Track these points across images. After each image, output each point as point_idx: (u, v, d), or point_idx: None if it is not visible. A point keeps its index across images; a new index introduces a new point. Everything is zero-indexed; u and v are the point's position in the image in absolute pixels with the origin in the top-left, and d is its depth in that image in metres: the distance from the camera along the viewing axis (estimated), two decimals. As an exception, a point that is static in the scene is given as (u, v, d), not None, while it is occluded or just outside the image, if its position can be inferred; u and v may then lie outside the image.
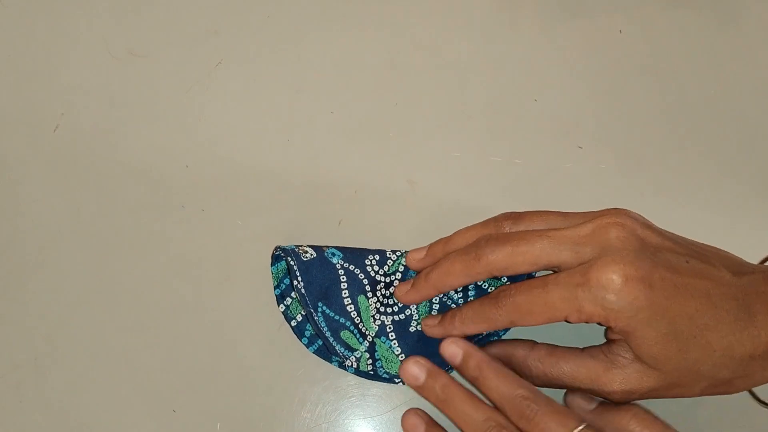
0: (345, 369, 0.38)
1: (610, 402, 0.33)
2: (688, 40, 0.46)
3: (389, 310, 0.38)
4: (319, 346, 0.38)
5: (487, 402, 0.34)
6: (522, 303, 0.32)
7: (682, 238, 0.34)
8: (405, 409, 0.38)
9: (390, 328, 0.38)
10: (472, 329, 0.35)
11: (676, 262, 0.31)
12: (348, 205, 0.42)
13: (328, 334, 0.37)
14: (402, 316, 0.38)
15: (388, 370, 0.38)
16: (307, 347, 0.38)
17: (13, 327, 0.40)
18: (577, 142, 0.43)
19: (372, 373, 0.38)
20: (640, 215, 0.34)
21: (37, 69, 0.44)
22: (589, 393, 0.34)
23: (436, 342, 0.37)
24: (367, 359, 0.38)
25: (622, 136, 0.44)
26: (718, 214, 0.43)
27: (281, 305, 0.39)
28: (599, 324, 0.32)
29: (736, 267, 0.33)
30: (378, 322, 0.38)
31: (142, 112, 0.43)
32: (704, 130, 0.44)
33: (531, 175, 0.43)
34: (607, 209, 0.34)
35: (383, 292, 0.38)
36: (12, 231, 0.41)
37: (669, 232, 0.34)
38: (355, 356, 0.38)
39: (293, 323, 0.38)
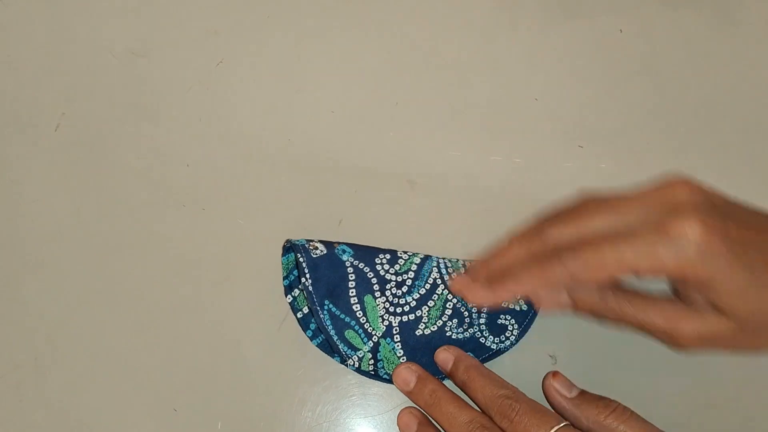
0: (346, 366, 0.38)
1: (678, 347, 0.33)
2: (688, 40, 0.46)
3: (399, 310, 0.38)
4: (323, 340, 0.38)
5: (476, 408, 0.34)
6: (590, 259, 0.30)
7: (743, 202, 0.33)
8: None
9: (396, 329, 0.38)
10: (527, 288, 0.33)
11: (747, 217, 0.31)
12: (348, 205, 0.42)
13: (332, 332, 0.37)
14: (412, 317, 0.38)
15: (389, 371, 0.38)
16: (311, 340, 0.38)
17: (13, 327, 0.40)
18: (577, 142, 0.43)
19: (373, 373, 0.38)
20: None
21: (37, 69, 0.44)
22: (662, 338, 0.33)
23: (438, 344, 0.38)
24: (369, 359, 0.38)
25: (622, 136, 0.44)
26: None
27: (288, 296, 0.39)
28: (671, 278, 0.31)
29: None
30: (386, 323, 0.38)
31: (142, 112, 0.43)
32: (704, 129, 0.44)
33: (531, 174, 0.43)
34: (667, 177, 0.32)
35: (394, 292, 0.38)
36: (12, 231, 0.41)
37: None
38: (357, 355, 0.38)
39: (299, 315, 0.38)
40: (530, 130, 0.44)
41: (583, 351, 0.40)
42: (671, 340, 0.33)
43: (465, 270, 0.39)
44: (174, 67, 0.44)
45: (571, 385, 0.36)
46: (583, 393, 0.35)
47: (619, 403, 0.34)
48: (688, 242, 0.29)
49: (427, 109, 0.44)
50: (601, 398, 0.34)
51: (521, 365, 0.39)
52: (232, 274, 0.40)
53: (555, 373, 0.36)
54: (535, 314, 0.39)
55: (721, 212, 0.30)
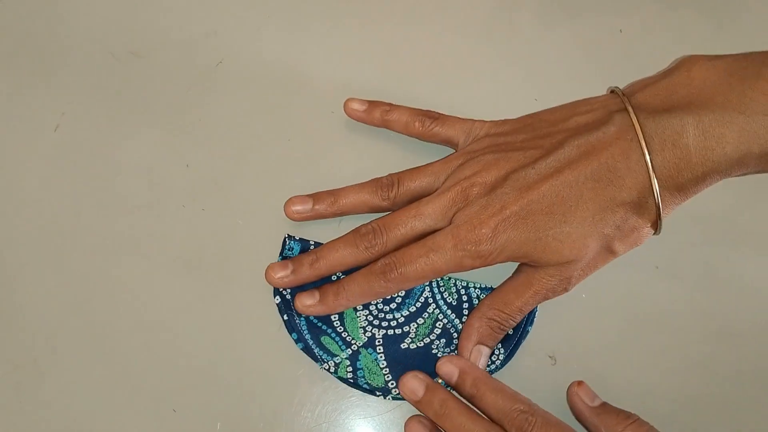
0: (328, 372, 0.38)
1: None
2: (688, 40, 0.46)
3: (384, 324, 0.38)
4: (304, 346, 0.39)
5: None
6: (410, 274, 0.35)
7: (527, 128, 0.38)
8: (404, 409, 0.38)
9: (379, 341, 0.38)
10: (360, 303, 0.38)
11: (526, 179, 0.35)
12: (348, 205, 0.42)
13: (308, 337, 0.38)
14: (398, 331, 0.38)
15: (369, 381, 0.38)
16: (296, 342, 0.38)
17: (13, 327, 0.40)
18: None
19: (352, 381, 0.38)
20: (484, 140, 0.38)
21: (37, 69, 0.44)
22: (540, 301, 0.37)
23: (423, 361, 0.38)
24: (347, 366, 0.38)
25: (622, 136, 0.44)
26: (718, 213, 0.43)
27: (277, 297, 0.39)
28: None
29: (583, 127, 0.36)
30: (368, 334, 0.38)
31: (142, 112, 0.43)
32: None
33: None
34: (458, 156, 0.38)
35: (380, 307, 0.39)
36: (12, 231, 0.41)
37: (516, 138, 0.38)
38: (334, 361, 0.38)
39: (285, 317, 0.38)
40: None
41: (583, 351, 0.40)
42: (561, 292, 0.37)
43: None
44: (174, 67, 0.44)
45: (594, 395, 0.37)
46: (604, 404, 0.36)
47: (639, 417, 0.34)
48: (478, 245, 0.35)
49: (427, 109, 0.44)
50: (621, 411, 0.35)
51: (521, 365, 0.39)
52: (231, 274, 0.40)
53: (580, 383, 0.37)
54: (521, 339, 0.39)
55: (503, 195, 0.35)
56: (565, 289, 0.37)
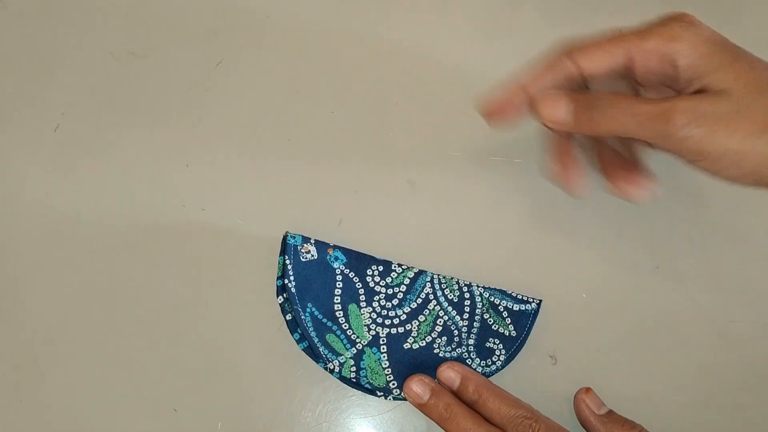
0: (330, 373, 0.38)
1: (668, 136, 0.31)
2: (687, 40, 0.46)
3: (387, 322, 0.38)
4: (308, 345, 0.38)
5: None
6: (603, 40, 0.34)
7: None
8: (405, 409, 0.38)
9: (383, 340, 0.38)
10: (535, 82, 0.36)
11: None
12: (348, 205, 0.42)
13: (314, 335, 0.38)
14: (401, 330, 0.38)
15: (371, 381, 0.38)
16: (297, 343, 0.38)
17: (13, 327, 0.40)
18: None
19: (354, 381, 0.38)
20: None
21: (37, 69, 0.44)
22: (653, 129, 0.31)
23: (426, 362, 0.38)
24: (351, 365, 0.38)
25: (622, 135, 0.44)
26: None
27: (280, 297, 0.39)
28: (676, 59, 0.33)
29: None
30: (372, 333, 0.38)
31: (142, 112, 0.43)
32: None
33: (531, 174, 0.43)
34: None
35: (382, 304, 0.38)
36: (12, 231, 0.41)
37: None
38: (339, 360, 0.38)
39: (288, 317, 0.38)
40: (530, 130, 0.44)
41: (583, 351, 0.40)
42: (664, 126, 0.31)
43: (457, 282, 0.39)
44: (174, 67, 0.44)
45: (600, 403, 0.37)
46: (611, 412, 0.36)
47: (644, 428, 0.35)
48: (700, 29, 0.33)
49: (427, 109, 0.44)
50: (627, 420, 0.36)
51: (521, 365, 0.39)
52: (231, 274, 0.40)
53: (587, 390, 0.37)
54: (523, 342, 0.39)
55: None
56: (668, 136, 0.31)
